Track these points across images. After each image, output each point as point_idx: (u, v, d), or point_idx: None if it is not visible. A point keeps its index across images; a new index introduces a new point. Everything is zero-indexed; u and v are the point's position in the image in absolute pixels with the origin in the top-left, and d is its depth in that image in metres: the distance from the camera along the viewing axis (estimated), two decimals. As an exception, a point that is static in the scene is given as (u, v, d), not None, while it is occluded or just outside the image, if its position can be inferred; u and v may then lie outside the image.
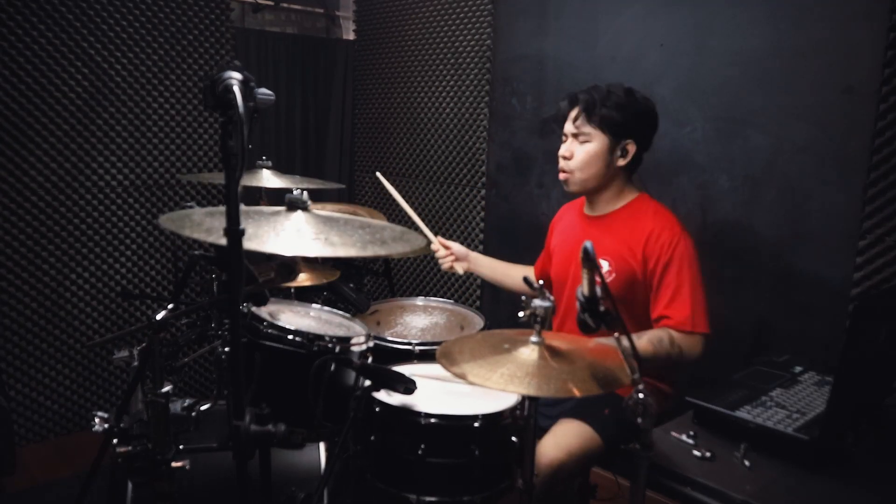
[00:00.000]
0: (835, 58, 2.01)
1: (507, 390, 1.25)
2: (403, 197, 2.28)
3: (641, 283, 1.86)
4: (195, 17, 2.98)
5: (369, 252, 1.36)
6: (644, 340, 1.75)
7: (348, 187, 3.90)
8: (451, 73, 3.20)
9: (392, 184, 2.31)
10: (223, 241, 1.02)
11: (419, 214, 2.28)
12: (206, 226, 1.39)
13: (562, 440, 1.73)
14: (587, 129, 1.88)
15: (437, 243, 2.24)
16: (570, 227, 2.10)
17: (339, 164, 4.00)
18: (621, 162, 1.90)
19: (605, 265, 1.90)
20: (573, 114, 1.92)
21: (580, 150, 1.90)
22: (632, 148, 1.89)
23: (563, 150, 1.94)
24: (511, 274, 2.28)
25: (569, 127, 1.93)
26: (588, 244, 1.25)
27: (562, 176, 1.97)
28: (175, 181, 3.01)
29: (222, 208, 1.03)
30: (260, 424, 1.03)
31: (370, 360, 1.68)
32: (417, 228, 2.21)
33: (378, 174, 2.36)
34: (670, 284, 1.81)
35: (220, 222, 1.09)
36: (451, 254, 2.23)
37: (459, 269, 2.24)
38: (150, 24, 2.85)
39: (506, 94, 2.99)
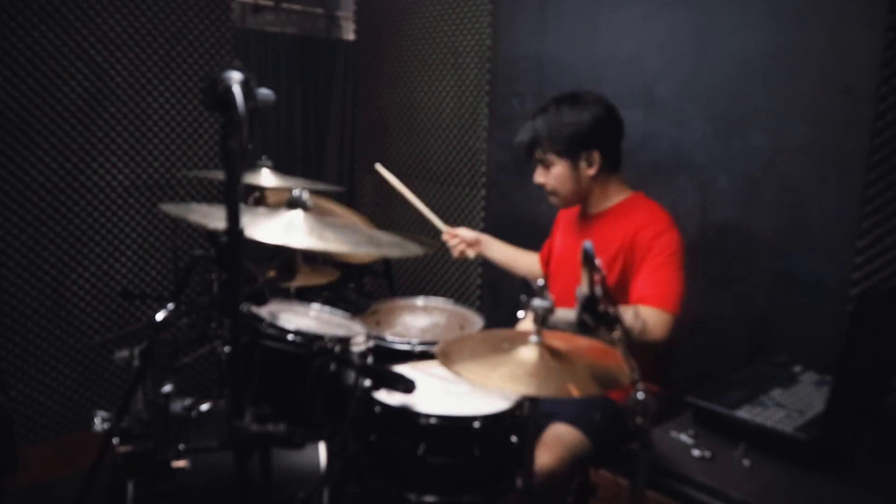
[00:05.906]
0: (834, 58, 2.02)
1: (506, 390, 1.26)
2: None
3: (631, 277, 1.85)
4: (195, 18, 2.98)
5: (362, 251, 1.37)
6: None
7: (348, 188, 3.90)
8: (451, 73, 3.20)
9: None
10: (222, 225, 1.02)
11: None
12: (204, 212, 1.40)
13: (552, 446, 1.72)
14: (544, 157, 1.92)
15: (447, 232, 2.26)
16: (568, 227, 2.11)
17: (339, 164, 4.00)
18: (590, 172, 1.89)
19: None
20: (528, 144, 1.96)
21: (549, 176, 1.94)
22: (595, 156, 1.88)
23: (536, 177, 1.98)
24: (520, 261, 2.29)
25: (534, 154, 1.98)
26: (587, 245, 1.26)
27: (548, 196, 2.01)
28: (175, 181, 3.01)
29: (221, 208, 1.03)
30: (260, 424, 1.04)
31: (370, 360, 1.68)
32: (425, 218, 2.24)
33: (378, 166, 2.38)
34: (647, 267, 1.81)
35: (219, 218, 1.09)
36: (461, 240, 2.24)
37: (471, 253, 2.25)
38: (150, 24, 2.85)
39: (506, 94, 2.99)
